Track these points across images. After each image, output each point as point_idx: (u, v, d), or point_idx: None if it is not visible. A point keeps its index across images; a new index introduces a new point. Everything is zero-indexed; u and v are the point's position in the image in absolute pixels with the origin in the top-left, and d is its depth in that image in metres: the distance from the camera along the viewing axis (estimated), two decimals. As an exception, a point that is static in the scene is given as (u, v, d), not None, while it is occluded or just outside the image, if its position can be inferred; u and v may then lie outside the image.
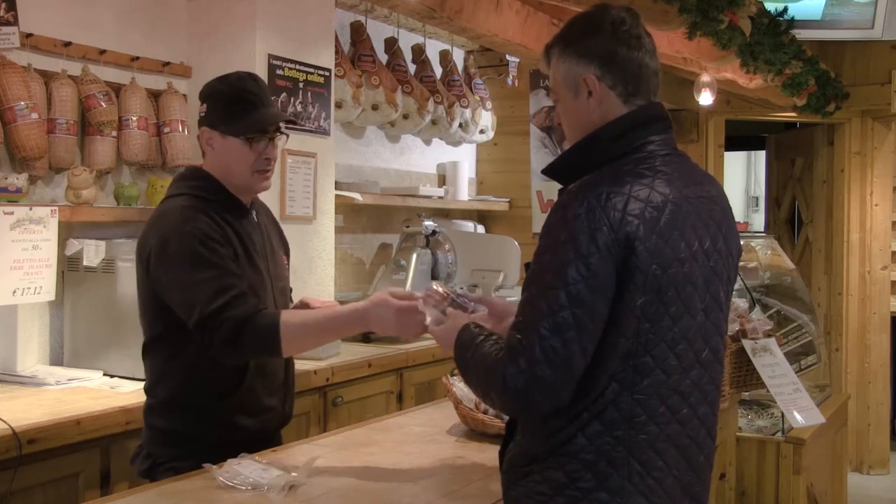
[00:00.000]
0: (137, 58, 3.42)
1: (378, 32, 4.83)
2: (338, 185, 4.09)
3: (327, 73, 3.86)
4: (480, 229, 5.68)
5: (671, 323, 1.59)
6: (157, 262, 2.16)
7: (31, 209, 2.82)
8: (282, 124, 2.34)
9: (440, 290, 1.98)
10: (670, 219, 1.58)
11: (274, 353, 2.11)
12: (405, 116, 4.78)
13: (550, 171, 1.76)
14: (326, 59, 3.86)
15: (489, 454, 2.10)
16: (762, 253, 3.99)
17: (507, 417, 2.22)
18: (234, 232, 2.25)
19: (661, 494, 1.61)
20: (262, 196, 2.45)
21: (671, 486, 1.62)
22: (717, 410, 1.73)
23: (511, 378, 1.53)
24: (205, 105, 2.30)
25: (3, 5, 2.88)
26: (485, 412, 2.32)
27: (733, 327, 2.83)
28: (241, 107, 2.26)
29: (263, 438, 2.26)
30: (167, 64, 3.54)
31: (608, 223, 1.53)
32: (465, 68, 5.56)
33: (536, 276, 1.59)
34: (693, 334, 1.62)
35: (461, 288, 2.08)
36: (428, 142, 5.43)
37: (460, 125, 5.19)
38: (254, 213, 2.36)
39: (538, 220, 5.62)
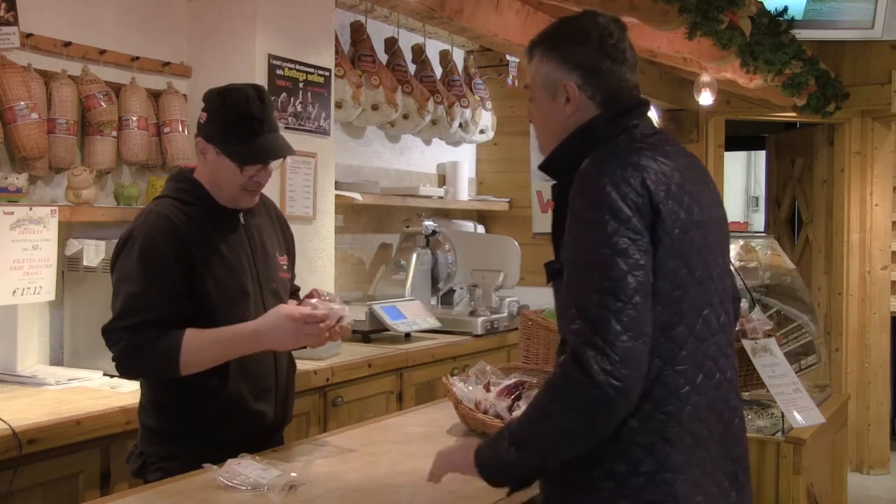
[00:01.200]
0: (137, 58, 3.43)
1: (378, 32, 4.83)
2: (338, 185, 4.09)
3: (327, 73, 3.86)
4: (480, 229, 5.68)
5: (698, 288, 1.62)
6: (112, 260, 2.24)
7: (31, 209, 2.82)
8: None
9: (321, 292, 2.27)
10: (679, 185, 1.63)
11: (172, 375, 2.16)
12: (405, 116, 4.78)
13: (546, 167, 1.78)
14: (326, 59, 3.86)
15: (489, 454, 2.10)
16: (762, 253, 3.99)
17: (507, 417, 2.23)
18: (208, 240, 2.23)
19: (710, 462, 1.63)
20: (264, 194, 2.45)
21: (716, 454, 1.65)
22: (737, 373, 1.76)
23: (596, 362, 1.47)
24: (205, 114, 2.27)
25: (3, 5, 2.89)
26: (485, 412, 2.32)
27: (733, 327, 2.83)
28: (241, 132, 2.22)
29: (253, 441, 2.21)
30: (167, 64, 3.54)
31: (633, 188, 1.56)
32: (465, 68, 5.56)
33: (579, 262, 1.57)
34: (714, 298, 1.66)
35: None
36: (428, 142, 5.43)
37: (460, 125, 5.19)
38: (241, 216, 2.32)
39: (538, 220, 5.61)
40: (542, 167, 1.78)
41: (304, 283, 3.60)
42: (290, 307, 2.21)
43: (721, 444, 1.66)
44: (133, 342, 2.12)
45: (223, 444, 2.11)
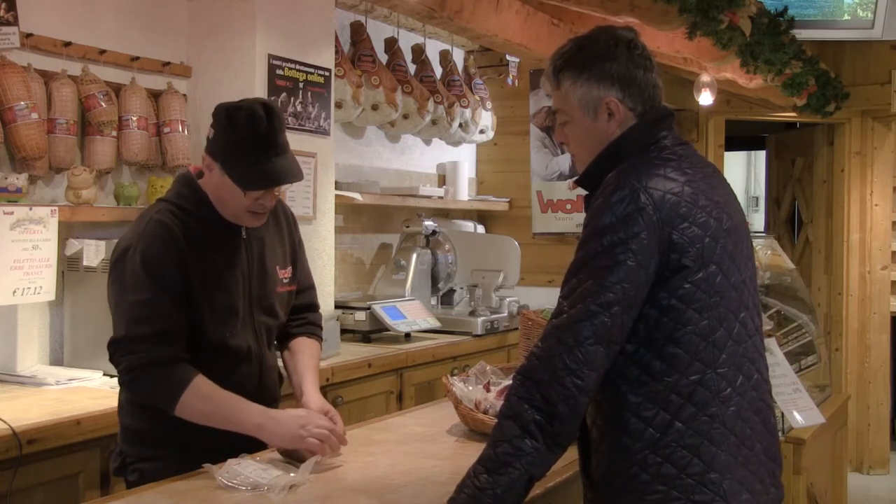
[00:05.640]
0: (137, 58, 3.42)
1: (378, 32, 4.83)
2: (338, 185, 4.09)
3: (327, 73, 3.86)
4: (480, 229, 5.68)
5: (734, 293, 1.67)
6: (110, 267, 2.18)
7: (31, 209, 2.82)
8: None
9: None
10: (707, 194, 1.68)
11: (167, 407, 2.09)
12: (405, 116, 4.78)
13: (582, 182, 1.82)
14: (326, 59, 3.86)
15: (489, 454, 2.10)
16: (762, 253, 3.98)
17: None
18: (204, 253, 2.17)
19: (755, 461, 1.68)
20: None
21: (759, 452, 1.70)
22: (769, 372, 1.81)
23: (565, 354, 1.56)
24: (213, 130, 2.18)
25: (3, 5, 2.88)
26: (485, 412, 2.32)
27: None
28: (245, 154, 2.12)
29: (232, 447, 2.09)
30: (167, 64, 3.54)
31: (652, 202, 1.60)
32: (465, 68, 5.56)
33: (584, 262, 1.63)
34: (749, 301, 1.72)
35: None
36: (428, 142, 5.43)
37: (460, 125, 5.19)
38: (242, 230, 2.25)
39: (538, 220, 5.62)
40: (579, 182, 1.83)
41: (304, 283, 3.61)
42: (306, 412, 2.15)
43: (762, 442, 1.71)
44: (146, 357, 2.05)
45: (200, 449, 2.05)
